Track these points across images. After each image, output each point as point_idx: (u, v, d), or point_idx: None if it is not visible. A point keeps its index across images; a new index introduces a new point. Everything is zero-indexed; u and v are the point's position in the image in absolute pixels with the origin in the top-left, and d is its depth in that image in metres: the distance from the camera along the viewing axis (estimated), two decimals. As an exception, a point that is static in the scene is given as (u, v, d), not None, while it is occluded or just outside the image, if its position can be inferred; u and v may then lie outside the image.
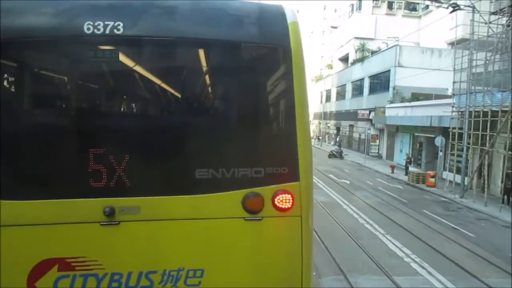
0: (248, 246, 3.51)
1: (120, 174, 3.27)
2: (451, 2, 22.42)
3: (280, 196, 3.47)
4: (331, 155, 40.92)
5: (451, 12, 22.47)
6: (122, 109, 3.73)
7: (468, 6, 21.65)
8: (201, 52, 3.56)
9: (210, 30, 3.45)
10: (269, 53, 3.59)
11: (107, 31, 3.24)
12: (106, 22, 3.24)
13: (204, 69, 3.63)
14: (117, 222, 3.30)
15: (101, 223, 3.28)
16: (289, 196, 3.49)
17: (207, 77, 3.66)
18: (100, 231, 3.30)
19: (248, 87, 3.64)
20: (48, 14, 3.30)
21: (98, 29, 3.23)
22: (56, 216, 3.24)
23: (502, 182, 20.84)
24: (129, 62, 3.43)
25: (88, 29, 3.22)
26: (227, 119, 3.67)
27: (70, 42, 3.31)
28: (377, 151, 41.78)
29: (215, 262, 3.45)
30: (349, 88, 51.98)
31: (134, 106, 3.85)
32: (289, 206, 3.49)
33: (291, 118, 3.51)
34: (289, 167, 3.51)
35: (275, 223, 3.50)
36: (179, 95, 3.65)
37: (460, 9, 21.90)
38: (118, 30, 3.25)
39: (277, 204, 3.47)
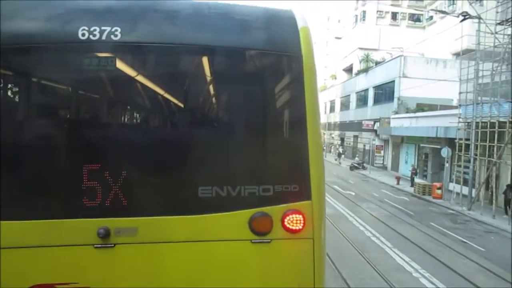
0: (255, 271, 3.22)
1: (116, 192, 3.00)
2: (462, 11, 22.20)
3: (291, 216, 3.19)
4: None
5: (461, 21, 22.26)
6: (119, 121, 3.44)
7: (475, 16, 21.50)
8: (205, 60, 3.30)
9: (215, 36, 3.21)
10: (279, 61, 3.32)
11: (104, 37, 3.01)
12: (103, 28, 3.01)
13: (208, 78, 3.35)
14: (112, 245, 3.03)
15: (95, 245, 3.00)
16: (300, 216, 3.20)
17: (211, 87, 3.40)
18: (94, 255, 3.01)
19: (256, 98, 3.39)
20: (38, 19, 3.06)
21: (94, 35, 3.00)
22: (45, 238, 2.96)
23: (503, 193, 20.57)
24: (127, 71, 3.16)
25: (83, 35, 2.99)
26: (233, 132, 3.38)
27: (63, 49, 3.05)
28: (382, 162, 41.43)
29: None
30: (353, 99, 51.79)
31: (132, 118, 3.56)
32: (300, 227, 3.21)
33: (302, 132, 3.24)
34: (300, 184, 3.23)
35: (285, 246, 3.21)
36: (181, 107, 3.35)
37: (470, 17, 21.71)
38: (116, 36, 3.02)
39: (287, 225, 3.19)
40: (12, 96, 3.23)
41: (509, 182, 20.36)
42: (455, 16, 23.19)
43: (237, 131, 3.39)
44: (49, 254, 2.98)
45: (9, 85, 3.21)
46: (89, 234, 2.97)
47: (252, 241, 3.17)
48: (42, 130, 3.14)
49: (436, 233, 16.30)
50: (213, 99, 3.45)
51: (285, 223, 3.19)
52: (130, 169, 3.07)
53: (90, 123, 3.27)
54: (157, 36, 3.13)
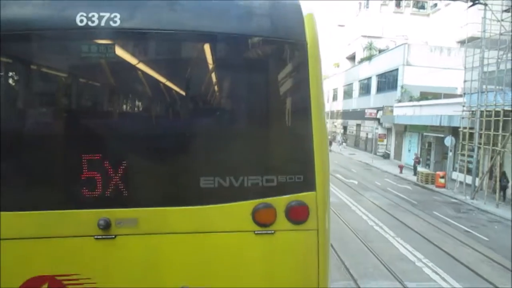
0: (258, 263, 3.17)
1: (116, 183, 2.96)
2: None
3: (295, 207, 3.13)
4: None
5: (470, 6, 21.85)
6: (119, 110, 3.34)
7: (481, 2, 21.18)
8: (207, 47, 3.21)
9: (218, 23, 3.13)
10: (283, 48, 3.24)
11: (103, 23, 2.92)
12: (102, 13, 2.92)
13: (210, 66, 3.27)
14: (113, 236, 2.98)
15: (95, 236, 2.96)
16: (305, 207, 3.15)
17: (213, 75, 3.31)
18: (94, 246, 2.97)
19: (259, 86, 3.30)
20: (35, 5, 2.98)
21: (92, 21, 2.91)
22: (45, 229, 2.92)
23: (499, 179, 20.56)
24: (127, 58, 3.10)
25: (81, 21, 2.90)
26: (235, 121, 3.35)
27: (61, 35, 2.98)
28: (384, 151, 41.30)
29: (221, 280, 3.12)
30: (356, 87, 51.47)
31: (132, 106, 3.48)
32: (305, 218, 3.16)
33: (306, 120, 3.17)
34: (305, 175, 3.17)
35: (288, 237, 3.16)
36: (182, 95, 3.28)
37: (479, 3, 21.32)
38: (115, 22, 2.94)
39: (291, 217, 3.14)
40: (9, 84, 3.16)
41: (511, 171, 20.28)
42: (464, 1, 22.69)
43: (240, 120, 3.36)
44: (49, 246, 2.94)
45: (6, 73, 3.13)
46: (89, 225, 2.93)
47: (256, 232, 3.12)
48: (40, 119, 3.10)
49: (439, 222, 16.25)
50: (216, 87, 3.39)
51: (289, 214, 3.14)
52: (131, 159, 3.02)
53: (89, 112, 3.22)
54: (158, 22, 3.05)
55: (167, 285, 3.06)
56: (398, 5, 53.53)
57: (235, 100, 3.38)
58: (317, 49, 3.24)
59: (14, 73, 3.18)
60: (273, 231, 3.13)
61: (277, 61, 3.28)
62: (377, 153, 40.28)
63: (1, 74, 3.06)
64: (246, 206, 3.10)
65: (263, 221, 3.11)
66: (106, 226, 2.92)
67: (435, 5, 47.68)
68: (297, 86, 3.28)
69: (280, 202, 3.13)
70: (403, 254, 11.87)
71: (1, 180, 2.87)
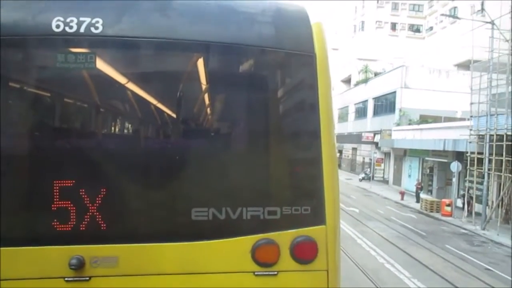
0: None
1: (93, 214, 2.65)
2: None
3: (301, 244, 2.81)
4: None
5: (489, 22, 20.79)
6: (97, 129, 2.97)
7: (488, 22, 20.26)
8: (203, 59, 2.93)
9: (214, 31, 2.86)
10: (288, 61, 3.00)
11: (82, 30, 2.68)
12: (81, 18, 2.68)
13: (206, 81, 2.94)
14: (87, 278, 2.65)
15: (66, 279, 2.63)
16: (313, 244, 2.83)
17: (209, 91, 2.99)
18: None
19: (261, 105, 3.01)
20: (4, 8, 2.66)
21: (71, 27, 2.66)
22: (6, 269, 2.56)
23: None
24: (108, 70, 2.80)
25: (58, 26, 2.66)
26: (233, 144, 3.03)
27: (33, 43, 2.71)
28: (382, 176, 39.97)
29: None
30: (351, 110, 50.60)
31: (114, 126, 3.14)
32: (313, 257, 2.83)
33: (315, 143, 2.89)
34: (313, 205, 2.87)
35: (294, 280, 2.82)
36: (172, 113, 2.98)
37: (492, 22, 20.30)
38: (96, 28, 2.69)
39: (297, 255, 2.81)
40: None
41: None
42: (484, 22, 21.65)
43: (239, 142, 3.04)
44: None
45: None
46: (59, 265, 2.61)
47: (256, 273, 2.81)
48: (5, 139, 2.67)
49: (455, 258, 14.71)
50: (211, 105, 3.07)
51: (295, 252, 2.83)
52: (111, 186, 2.73)
53: (63, 131, 2.89)
54: (146, 29, 2.79)
55: None
56: (393, 28, 53.40)
57: (233, 121, 3.08)
58: (326, 61, 2.98)
59: None
60: (276, 272, 2.83)
61: (281, 76, 3.08)
62: (374, 178, 38.93)
63: None
64: (245, 242, 2.81)
65: (264, 260, 2.81)
66: (79, 265, 2.61)
67: (431, 28, 47.48)
68: (304, 105, 3.02)
69: (285, 237, 2.84)
70: (425, 300, 10.28)
71: None
